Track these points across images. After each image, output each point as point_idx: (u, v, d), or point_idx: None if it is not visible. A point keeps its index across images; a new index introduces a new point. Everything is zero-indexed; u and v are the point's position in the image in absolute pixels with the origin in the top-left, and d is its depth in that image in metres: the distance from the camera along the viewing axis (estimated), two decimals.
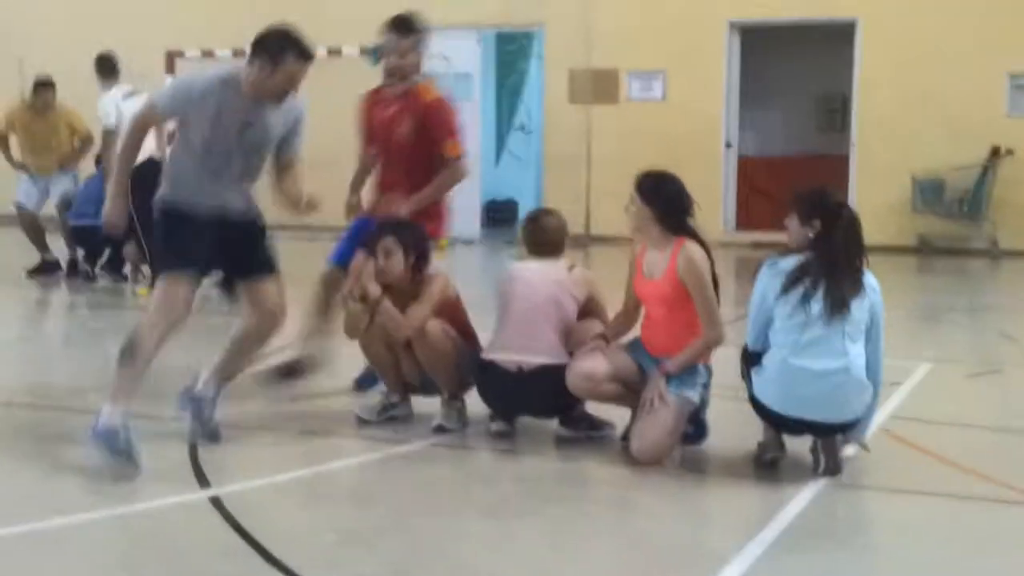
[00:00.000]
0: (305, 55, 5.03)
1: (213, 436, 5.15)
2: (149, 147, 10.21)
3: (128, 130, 5.27)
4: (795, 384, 4.64)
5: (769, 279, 4.77)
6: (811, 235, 4.76)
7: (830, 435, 4.74)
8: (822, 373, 4.62)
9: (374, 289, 5.36)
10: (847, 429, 4.80)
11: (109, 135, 9.91)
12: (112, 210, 5.17)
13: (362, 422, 5.52)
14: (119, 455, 4.66)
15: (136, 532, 4.15)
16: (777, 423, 4.81)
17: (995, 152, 14.18)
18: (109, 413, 4.72)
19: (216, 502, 4.34)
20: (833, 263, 4.68)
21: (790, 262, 4.74)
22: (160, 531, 4.14)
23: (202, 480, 4.64)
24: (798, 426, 4.75)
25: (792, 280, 4.68)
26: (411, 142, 5.91)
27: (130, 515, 4.26)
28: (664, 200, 5.05)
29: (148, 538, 4.08)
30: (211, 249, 5.09)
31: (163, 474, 4.71)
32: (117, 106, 9.97)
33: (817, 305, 4.63)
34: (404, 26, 5.97)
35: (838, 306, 4.63)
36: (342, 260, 6.06)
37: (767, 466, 4.87)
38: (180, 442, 5.08)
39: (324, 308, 6.08)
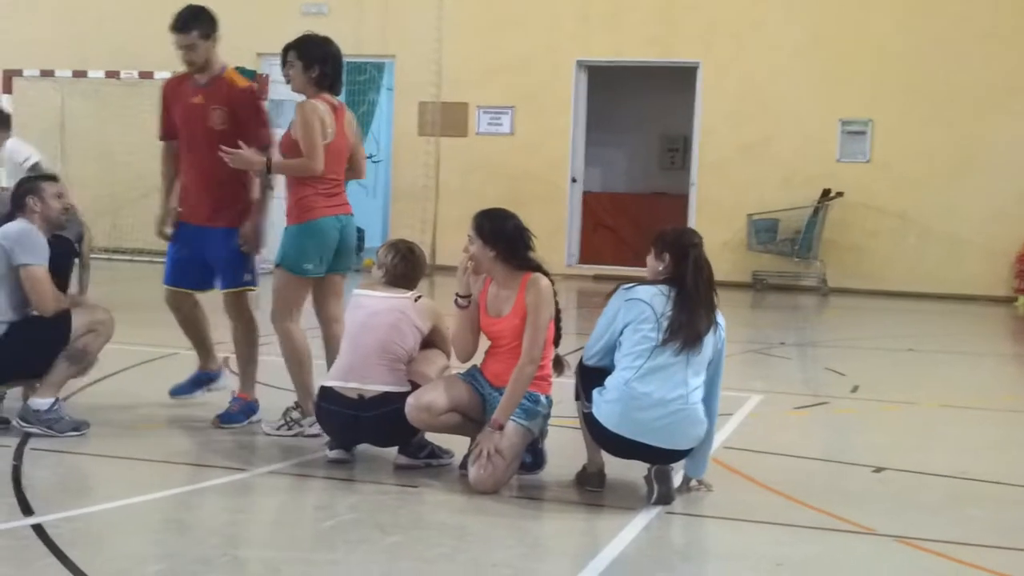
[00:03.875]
0: (53, 178, 6.01)
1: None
2: None
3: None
4: (635, 408, 4.74)
5: (622, 303, 4.87)
6: (660, 269, 4.91)
7: (663, 463, 4.85)
8: (661, 401, 4.74)
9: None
10: (678, 458, 4.93)
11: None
12: None
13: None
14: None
15: None
16: (610, 445, 4.90)
17: (826, 194, 14.78)
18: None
19: (39, 530, 4.19)
20: (687, 301, 4.81)
21: (645, 290, 4.86)
22: None
23: (25, 507, 4.49)
24: (631, 450, 4.85)
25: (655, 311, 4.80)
26: (222, 132, 5.88)
27: None
28: (505, 240, 5.10)
29: None
30: None
31: None
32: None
33: (668, 336, 4.75)
34: (181, 24, 6.03)
35: (692, 341, 4.78)
36: (177, 282, 6.14)
37: (588, 492, 5.00)
38: (4, 468, 4.90)
39: (191, 326, 6.30)
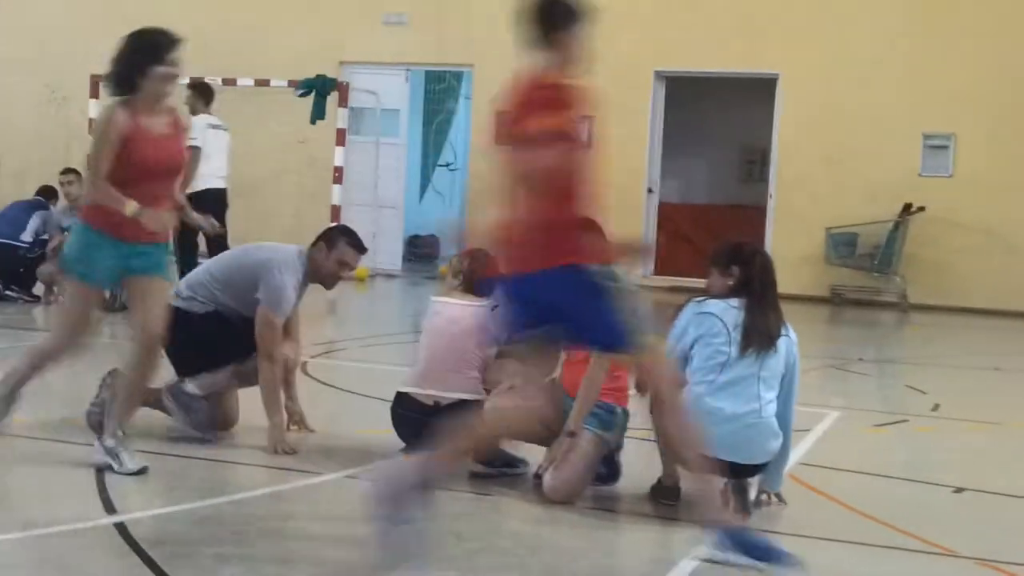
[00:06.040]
0: (359, 248, 5.74)
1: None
2: (209, 174, 10.63)
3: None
4: (708, 423, 4.71)
5: (693, 316, 4.87)
6: (731, 283, 4.90)
7: (739, 477, 4.82)
8: (734, 415, 4.71)
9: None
10: (755, 472, 4.89)
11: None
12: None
13: None
14: None
15: (39, 556, 4.07)
16: None
17: (907, 208, 14.56)
18: None
19: (121, 528, 4.27)
20: (756, 304, 4.81)
21: (716, 304, 4.87)
22: (64, 556, 4.05)
23: (108, 505, 4.57)
24: None
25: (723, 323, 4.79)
26: None
27: (34, 538, 4.18)
28: None
29: (52, 562, 4.00)
30: None
31: (70, 499, 4.64)
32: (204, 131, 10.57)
33: (738, 346, 4.73)
34: None
35: (765, 343, 4.77)
36: None
37: (663, 505, 4.98)
38: (87, 466, 5.00)
39: None
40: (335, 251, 5.70)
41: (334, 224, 5.83)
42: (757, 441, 4.78)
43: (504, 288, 4.28)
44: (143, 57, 5.08)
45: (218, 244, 10.66)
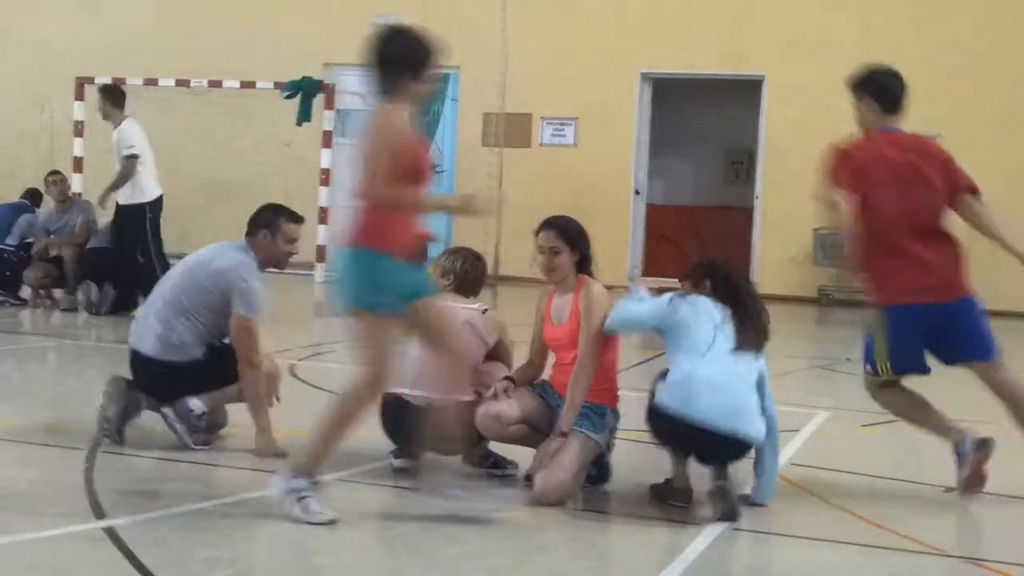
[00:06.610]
0: (298, 220, 5.74)
1: None
2: (154, 178, 10.42)
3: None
4: (695, 390, 4.74)
5: (683, 302, 4.94)
6: (705, 294, 5.01)
7: (723, 457, 4.80)
8: (725, 384, 4.77)
9: None
10: (737, 451, 4.86)
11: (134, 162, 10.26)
12: None
13: None
14: None
15: (27, 562, 4.04)
16: (672, 436, 4.85)
17: None
18: None
19: (111, 533, 4.25)
20: (749, 313, 4.93)
21: (704, 300, 4.95)
22: (53, 561, 4.03)
23: (97, 510, 4.55)
24: (691, 439, 4.79)
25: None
26: None
27: (21, 544, 4.15)
28: (583, 242, 5.17)
29: (40, 568, 3.97)
30: None
31: (58, 503, 4.61)
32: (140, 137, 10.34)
33: (742, 340, 4.86)
34: None
35: (762, 343, 4.93)
36: None
37: (670, 506, 4.95)
38: (77, 471, 4.98)
39: None
40: (280, 233, 5.71)
41: (262, 206, 5.69)
42: (742, 407, 4.79)
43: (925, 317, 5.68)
44: (424, 60, 4.80)
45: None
